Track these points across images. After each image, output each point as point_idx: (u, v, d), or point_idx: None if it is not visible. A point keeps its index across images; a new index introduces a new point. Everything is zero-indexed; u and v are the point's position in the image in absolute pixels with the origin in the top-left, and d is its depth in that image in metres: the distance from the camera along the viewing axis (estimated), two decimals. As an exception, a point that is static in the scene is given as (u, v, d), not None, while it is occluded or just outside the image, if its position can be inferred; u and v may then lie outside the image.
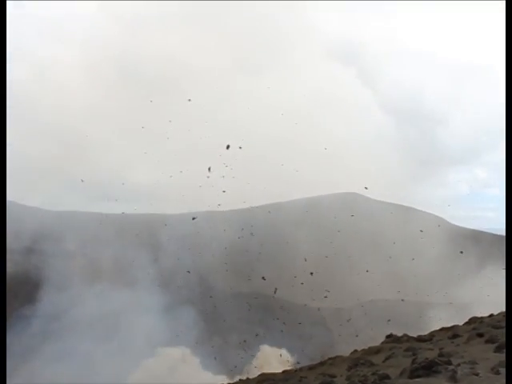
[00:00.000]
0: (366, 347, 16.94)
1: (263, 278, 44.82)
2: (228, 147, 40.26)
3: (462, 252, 52.36)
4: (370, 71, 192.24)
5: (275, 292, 43.50)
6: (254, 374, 40.75)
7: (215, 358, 45.68)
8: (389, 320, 45.77)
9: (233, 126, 79.87)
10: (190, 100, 53.69)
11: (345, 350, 20.97)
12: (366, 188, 59.84)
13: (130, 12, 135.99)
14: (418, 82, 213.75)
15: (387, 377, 8.85)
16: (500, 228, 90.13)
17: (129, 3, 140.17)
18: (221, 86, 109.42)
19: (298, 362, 44.58)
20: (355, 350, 18.12)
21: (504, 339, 10.57)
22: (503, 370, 8.19)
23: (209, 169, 39.61)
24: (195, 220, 56.14)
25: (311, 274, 49.99)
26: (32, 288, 49.57)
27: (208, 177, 40.33)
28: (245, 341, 48.64)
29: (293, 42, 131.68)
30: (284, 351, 48.80)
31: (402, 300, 53.22)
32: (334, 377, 11.55)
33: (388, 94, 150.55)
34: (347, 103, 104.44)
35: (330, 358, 17.63)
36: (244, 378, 22.97)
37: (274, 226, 65.39)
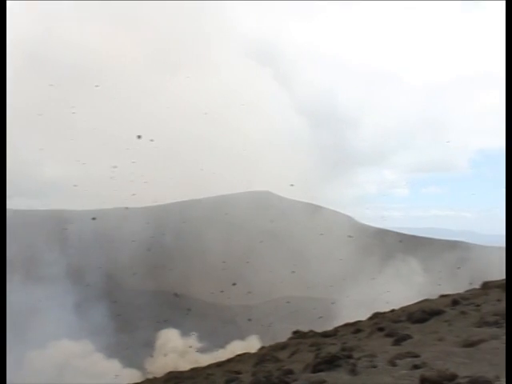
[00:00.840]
0: (274, 343, 17.22)
1: (176, 294, 44.15)
2: (139, 137, 39.51)
3: (361, 248, 54.36)
4: (286, 73, 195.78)
5: (177, 296, 43.22)
6: (160, 370, 40.56)
7: (119, 355, 44.91)
8: (296, 316, 46.71)
9: (145, 121, 78.54)
10: (97, 86, 51.85)
11: (253, 346, 21.18)
12: (291, 185, 60.67)
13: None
14: (332, 85, 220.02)
15: (291, 372, 9.03)
16: (405, 227, 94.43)
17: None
18: (134, 80, 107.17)
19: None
20: (262, 347, 18.38)
21: (402, 333, 11.07)
22: (400, 362, 8.57)
23: (114, 166, 38.69)
24: (106, 217, 54.85)
25: (223, 270, 50.38)
26: None
27: (113, 172, 39.48)
28: (151, 338, 48.20)
29: (209, 41, 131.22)
30: (192, 342, 48.72)
31: (310, 297, 54.61)
32: (240, 373, 11.65)
33: (303, 96, 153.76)
34: (263, 103, 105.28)
35: (238, 355, 17.77)
36: (150, 376, 22.70)
37: (185, 224, 65.02)
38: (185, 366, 41.21)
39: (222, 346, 46.77)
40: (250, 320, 51.51)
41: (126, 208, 61.65)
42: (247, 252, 60.15)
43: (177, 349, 47.64)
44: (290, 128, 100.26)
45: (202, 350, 47.66)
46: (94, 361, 45.12)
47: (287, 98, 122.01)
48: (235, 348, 45.50)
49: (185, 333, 49.42)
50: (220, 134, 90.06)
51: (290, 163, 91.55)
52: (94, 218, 51.37)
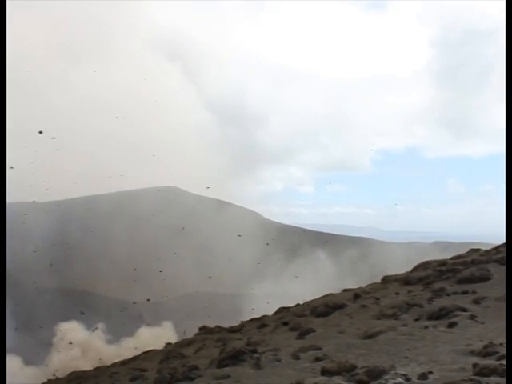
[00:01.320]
0: (180, 339, 17.17)
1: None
2: (41, 132, 37.93)
3: (268, 244, 55.23)
4: (195, 69, 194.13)
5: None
6: (63, 365, 39.32)
7: (20, 354, 43.08)
8: (204, 312, 46.70)
9: (46, 114, 75.39)
10: None
11: (159, 344, 20.95)
12: (207, 187, 60.45)
13: None
14: (242, 82, 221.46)
15: (196, 368, 9.03)
16: (311, 223, 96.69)
17: None
18: (35, 72, 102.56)
19: None
20: (169, 343, 18.26)
21: (306, 327, 11.35)
22: (303, 355, 8.81)
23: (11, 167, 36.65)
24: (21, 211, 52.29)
25: (128, 265, 49.36)
26: None
27: (12, 168, 37.54)
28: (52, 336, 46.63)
29: (115, 34, 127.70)
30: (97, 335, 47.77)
31: (218, 292, 54.77)
32: (146, 371, 11.54)
33: (212, 92, 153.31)
34: (170, 99, 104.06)
35: (143, 352, 17.57)
36: (52, 376, 21.96)
37: (88, 220, 63.19)
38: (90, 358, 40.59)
39: (128, 335, 46.30)
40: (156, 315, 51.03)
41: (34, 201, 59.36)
42: (154, 247, 59.38)
43: (80, 342, 46.52)
44: (199, 125, 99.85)
45: (107, 342, 46.91)
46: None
47: (196, 94, 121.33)
48: (142, 336, 45.27)
49: (89, 327, 48.26)
50: (126, 129, 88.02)
51: (199, 160, 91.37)
52: None
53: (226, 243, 59.55)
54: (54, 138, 40.82)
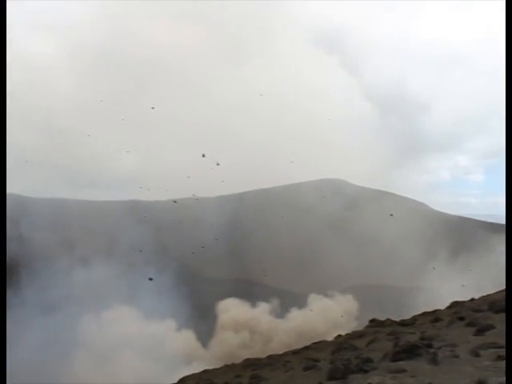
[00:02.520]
0: (350, 331, 17.19)
1: (150, 278, 44.77)
2: (204, 156, 39.09)
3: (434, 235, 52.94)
4: (353, 59, 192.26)
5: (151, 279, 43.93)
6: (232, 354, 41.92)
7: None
8: (372, 305, 46.18)
9: (220, 112, 79.94)
10: (153, 108, 50.90)
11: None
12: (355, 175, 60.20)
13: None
14: (401, 70, 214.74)
15: (370, 360, 8.99)
16: (484, 214, 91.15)
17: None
18: (204, 72, 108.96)
19: None
20: (339, 335, 18.35)
21: (485, 323, 10.79)
22: (483, 353, 8.38)
23: (203, 155, 38.78)
24: (181, 206, 55.99)
25: (296, 257, 50.41)
26: (15, 274, 48.98)
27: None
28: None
29: (275, 29, 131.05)
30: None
31: (384, 285, 53.84)
32: (318, 361, 11.70)
33: (371, 81, 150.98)
34: (331, 90, 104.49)
35: (314, 343, 17.83)
36: (226, 361, 23.13)
37: (257, 212, 65.54)
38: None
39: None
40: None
41: (196, 199, 63.03)
42: (319, 239, 59.91)
43: (246, 321, 49.03)
44: (360, 116, 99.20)
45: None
46: (182, 336, 47.41)
47: (355, 85, 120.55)
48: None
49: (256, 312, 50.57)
50: (290, 122, 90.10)
51: (361, 151, 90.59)
52: (175, 201, 52.75)
53: (391, 235, 58.19)
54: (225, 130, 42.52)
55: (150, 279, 43.03)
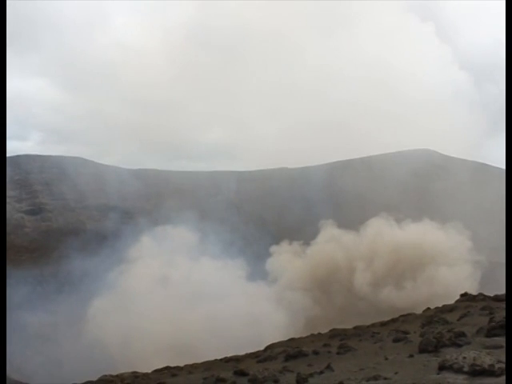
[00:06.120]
0: (440, 305, 16.79)
1: None
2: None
3: None
4: (447, 27, 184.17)
5: None
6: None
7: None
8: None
9: (309, 87, 79.60)
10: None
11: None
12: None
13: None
14: (497, 37, 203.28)
15: (463, 334, 8.77)
16: None
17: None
18: (293, 48, 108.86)
19: None
20: (428, 308, 17.97)
21: None
22: None
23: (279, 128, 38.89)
24: (272, 176, 56.11)
25: None
26: (109, 242, 50.23)
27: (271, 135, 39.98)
28: None
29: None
30: None
31: (475, 260, 51.66)
32: (408, 333, 11.54)
33: (466, 50, 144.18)
34: (425, 59, 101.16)
35: (401, 316, 17.57)
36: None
37: (352, 182, 64.03)
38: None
39: None
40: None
41: (284, 168, 62.78)
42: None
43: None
44: (455, 85, 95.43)
45: None
46: None
47: (450, 53, 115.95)
48: None
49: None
50: (382, 92, 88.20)
51: (455, 121, 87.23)
52: None
53: (487, 207, 55.54)
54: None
55: None
